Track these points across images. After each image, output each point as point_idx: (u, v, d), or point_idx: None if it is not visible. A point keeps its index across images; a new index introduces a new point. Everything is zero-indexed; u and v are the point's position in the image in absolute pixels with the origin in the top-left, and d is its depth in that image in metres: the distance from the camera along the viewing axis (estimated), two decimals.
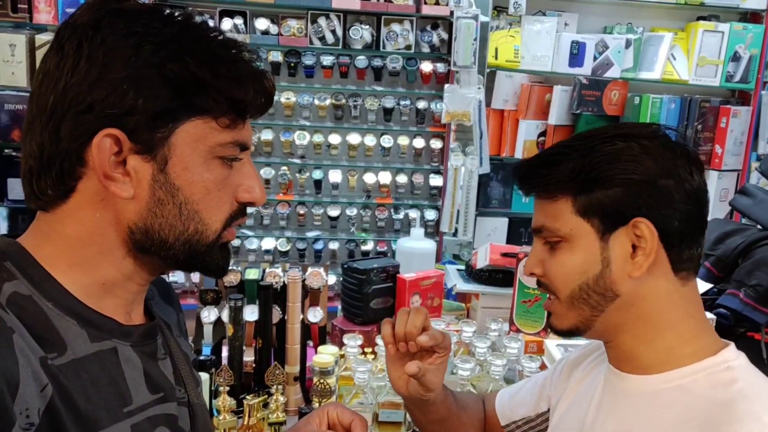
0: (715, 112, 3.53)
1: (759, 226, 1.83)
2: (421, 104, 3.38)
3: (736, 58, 3.48)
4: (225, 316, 1.66)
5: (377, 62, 3.32)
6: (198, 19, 0.72)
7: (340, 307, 1.97)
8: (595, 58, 3.43)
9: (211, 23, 0.74)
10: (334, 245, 3.45)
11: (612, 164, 0.84)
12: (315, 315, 1.75)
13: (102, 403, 0.68)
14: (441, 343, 1.02)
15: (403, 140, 3.41)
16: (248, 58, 0.72)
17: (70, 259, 0.71)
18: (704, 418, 0.79)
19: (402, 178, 3.45)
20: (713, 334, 0.89)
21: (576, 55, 3.40)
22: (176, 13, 0.71)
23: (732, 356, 0.85)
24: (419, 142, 3.42)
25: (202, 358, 1.57)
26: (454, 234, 3.39)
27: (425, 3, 3.23)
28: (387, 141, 3.39)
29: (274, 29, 3.25)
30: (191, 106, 0.69)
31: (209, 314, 1.71)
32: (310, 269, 1.77)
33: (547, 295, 0.94)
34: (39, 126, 0.68)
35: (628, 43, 3.45)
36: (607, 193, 0.84)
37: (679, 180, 0.83)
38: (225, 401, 1.43)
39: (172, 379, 0.79)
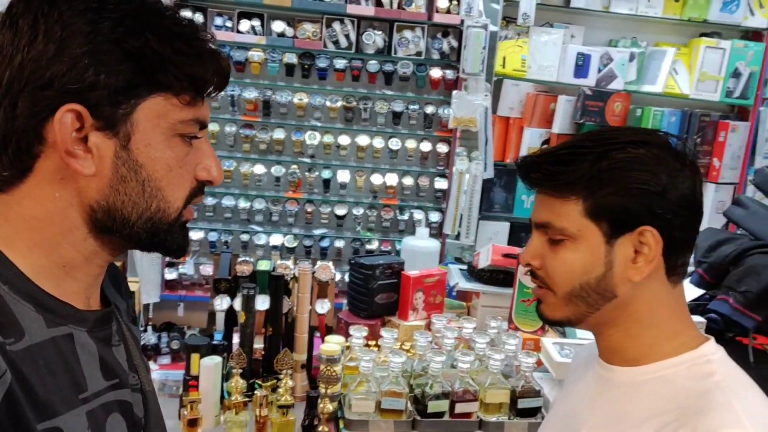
0: (714, 126, 3.61)
1: (750, 236, 1.90)
2: (430, 109, 3.47)
3: (736, 74, 3.56)
4: (237, 305, 1.74)
5: (388, 67, 3.40)
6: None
7: (345, 302, 2.05)
8: (599, 70, 3.52)
9: (165, 1, 0.75)
10: (339, 243, 3.53)
11: (625, 172, 0.86)
12: (322, 306, 1.83)
13: (58, 389, 0.67)
14: None
15: (411, 143, 3.50)
16: (204, 36, 0.71)
17: (30, 240, 0.69)
18: (682, 407, 0.84)
19: (408, 180, 3.54)
20: (695, 329, 0.94)
21: (581, 66, 3.49)
22: None
23: (711, 350, 0.89)
24: (426, 146, 3.51)
25: (215, 342, 1.65)
26: (457, 237, 3.47)
27: (437, 11, 3.32)
28: (395, 144, 3.48)
29: (290, 32, 3.34)
30: (153, 82, 0.68)
31: (222, 302, 1.79)
32: (319, 263, 1.85)
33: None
34: None
35: (632, 57, 3.53)
36: (618, 199, 0.86)
37: (683, 191, 0.87)
38: (237, 383, 1.51)
39: (126, 365, 0.78)
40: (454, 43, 3.43)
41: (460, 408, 1.56)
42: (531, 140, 3.53)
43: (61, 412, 0.66)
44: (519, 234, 3.62)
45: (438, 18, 3.34)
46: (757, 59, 3.54)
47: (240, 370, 1.52)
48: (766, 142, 3.55)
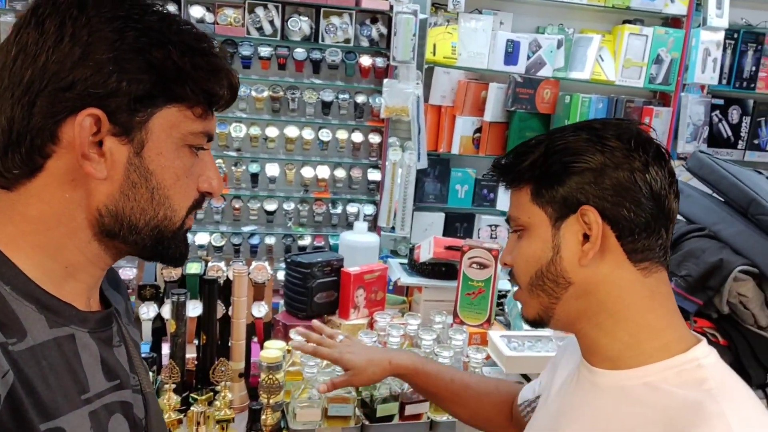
0: (638, 112, 3.69)
1: (685, 220, 1.92)
2: (360, 98, 3.38)
3: (658, 60, 3.64)
4: (166, 312, 1.62)
5: (316, 55, 3.29)
6: (172, 9, 0.72)
7: (282, 302, 1.95)
8: (528, 57, 3.51)
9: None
10: (270, 240, 3.40)
11: (564, 155, 0.87)
12: (260, 310, 1.73)
13: (61, 390, 0.68)
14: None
15: (342, 134, 3.40)
16: (219, 53, 0.75)
17: (34, 241, 0.70)
18: (672, 417, 0.78)
19: (340, 173, 3.45)
20: (683, 327, 0.87)
21: (511, 53, 3.48)
22: (152, 2, 0.73)
23: (703, 353, 0.84)
24: (358, 137, 3.42)
25: (143, 355, 1.51)
26: (392, 229, 3.41)
27: None
28: (325, 135, 3.38)
29: (210, 18, 3.17)
30: (170, 93, 0.71)
31: (148, 310, 1.66)
32: (254, 263, 1.74)
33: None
34: (10, 100, 0.67)
35: (559, 44, 3.55)
36: (559, 181, 0.87)
37: (630, 172, 0.84)
38: (171, 399, 1.38)
39: (127, 366, 0.80)
40: (384, 30, 3.35)
41: (410, 410, 1.51)
42: (464, 129, 3.50)
43: (64, 412, 0.68)
44: (454, 224, 3.59)
45: (366, 3, 3.24)
46: (677, 46, 3.63)
47: (173, 385, 1.40)
48: (687, 127, 3.66)
